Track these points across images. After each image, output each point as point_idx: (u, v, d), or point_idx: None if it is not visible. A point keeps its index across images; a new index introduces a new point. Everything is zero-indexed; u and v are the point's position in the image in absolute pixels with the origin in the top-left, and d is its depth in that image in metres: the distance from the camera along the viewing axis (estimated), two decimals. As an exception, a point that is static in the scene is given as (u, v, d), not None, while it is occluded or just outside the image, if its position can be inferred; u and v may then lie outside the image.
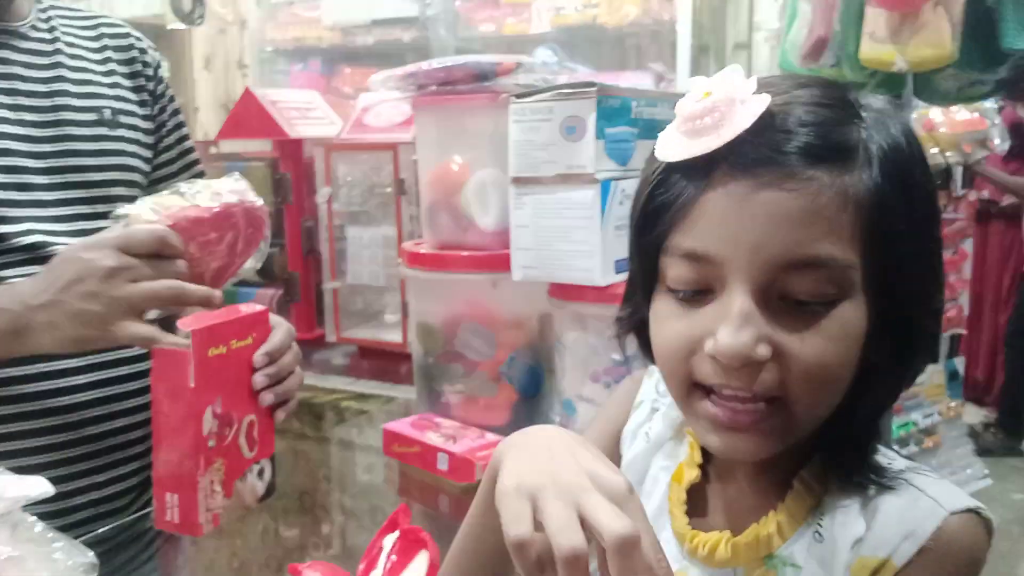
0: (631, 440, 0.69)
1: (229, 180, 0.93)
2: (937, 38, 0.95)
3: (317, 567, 0.84)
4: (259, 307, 0.89)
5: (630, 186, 1.09)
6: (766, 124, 0.50)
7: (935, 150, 2.64)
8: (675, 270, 0.53)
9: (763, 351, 0.50)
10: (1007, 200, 4.11)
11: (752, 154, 0.50)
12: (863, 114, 0.52)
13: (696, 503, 0.62)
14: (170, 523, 0.81)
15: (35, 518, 0.77)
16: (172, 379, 0.78)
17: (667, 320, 0.55)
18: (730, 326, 0.50)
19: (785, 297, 0.51)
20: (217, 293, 0.86)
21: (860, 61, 1.08)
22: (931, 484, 0.55)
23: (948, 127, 2.64)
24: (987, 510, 0.54)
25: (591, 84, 1.03)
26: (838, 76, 1.19)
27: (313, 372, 1.70)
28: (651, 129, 1.13)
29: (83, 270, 0.80)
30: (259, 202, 0.94)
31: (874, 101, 0.54)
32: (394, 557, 0.84)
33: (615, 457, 0.70)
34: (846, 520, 0.55)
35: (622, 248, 1.10)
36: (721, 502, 0.62)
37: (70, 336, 0.81)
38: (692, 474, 0.62)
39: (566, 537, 0.43)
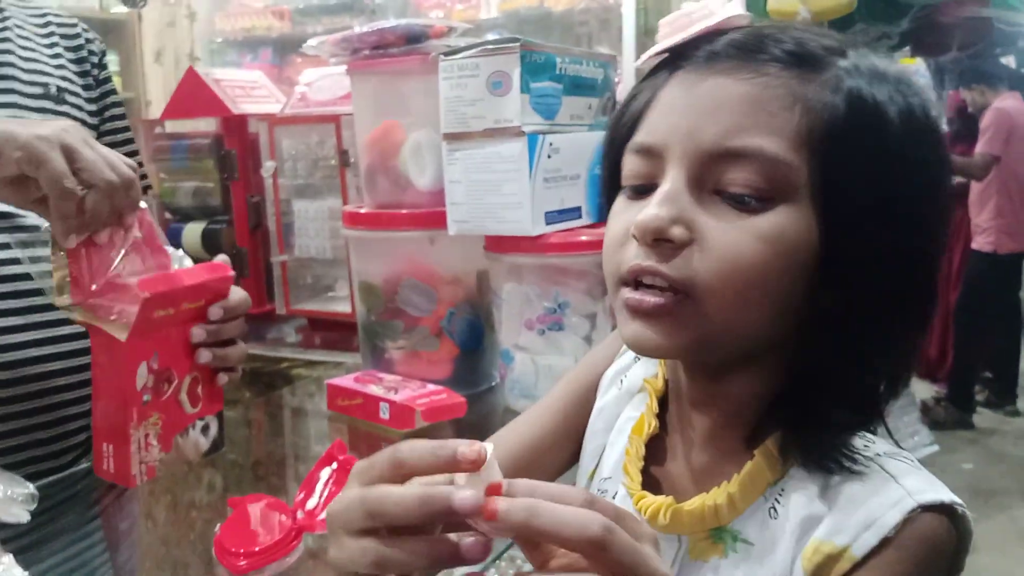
0: (607, 386, 0.68)
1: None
2: (838, -11, 1.01)
3: (254, 497, 0.87)
4: (226, 271, 0.88)
5: (557, 140, 1.14)
6: (748, 33, 0.52)
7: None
8: (628, 166, 0.54)
9: (678, 231, 0.49)
10: (955, 180, 4.22)
11: (717, 49, 0.51)
12: (849, 54, 0.52)
13: (657, 456, 0.60)
14: (106, 472, 0.83)
15: (-24, 456, 0.79)
16: (106, 332, 0.79)
17: (613, 216, 0.55)
18: (652, 203, 0.50)
19: (721, 191, 0.50)
20: None
21: (768, 14, 1.13)
22: (906, 471, 0.50)
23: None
24: (965, 506, 0.49)
25: (515, 39, 1.07)
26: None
27: (264, 345, 1.72)
28: (578, 86, 1.18)
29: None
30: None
31: (880, 62, 0.52)
32: (332, 487, 0.88)
33: (589, 402, 0.69)
34: (806, 499, 0.51)
35: (551, 200, 1.14)
36: (680, 460, 0.59)
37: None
38: (652, 424, 0.61)
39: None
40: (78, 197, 0.76)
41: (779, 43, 0.50)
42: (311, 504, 0.86)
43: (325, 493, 0.87)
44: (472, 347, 1.29)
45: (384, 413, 1.16)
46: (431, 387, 1.20)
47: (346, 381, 1.25)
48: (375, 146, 1.30)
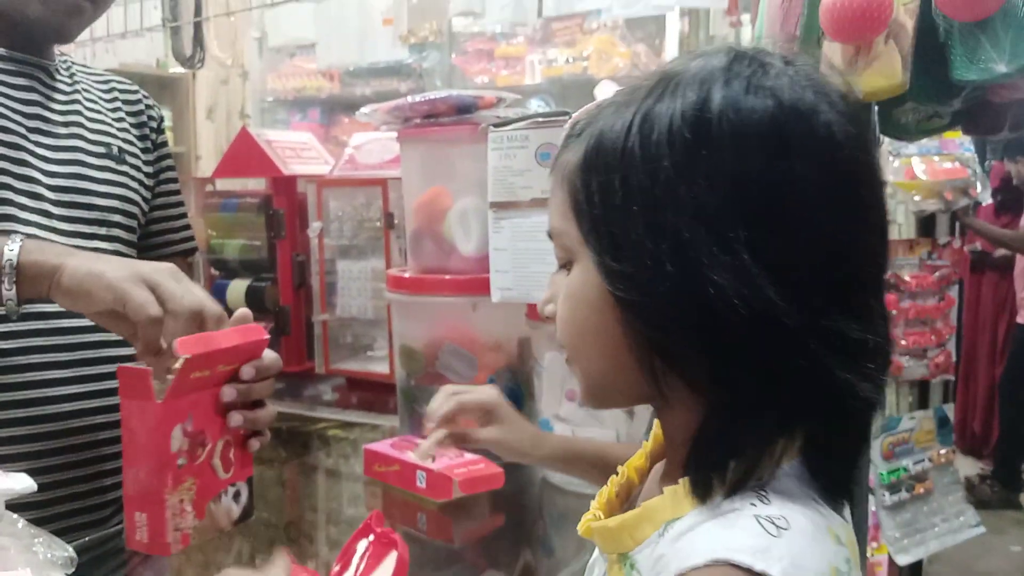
0: None
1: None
2: (889, 69, 1.01)
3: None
4: (262, 334, 0.87)
5: (604, 211, 1.15)
6: None
7: (917, 197, 2.70)
8: None
9: (548, 309, 0.60)
10: (999, 252, 4.16)
11: None
12: (605, 108, 0.55)
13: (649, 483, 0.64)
14: (139, 543, 0.81)
15: (16, 515, 0.79)
16: (139, 395, 0.78)
17: None
18: None
19: None
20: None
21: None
22: (746, 529, 0.47)
23: (929, 175, 2.70)
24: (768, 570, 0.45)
25: (564, 113, 1.09)
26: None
27: (301, 404, 1.72)
28: (625, 158, 1.19)
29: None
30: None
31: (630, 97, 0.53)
32: (369, 560, 0.86)
33: None
34: (670, 539, 0.50)
35: (596, 270, 1.14)
36: (648, 489, 0.62)
37: (88, 266, 0.83)
38: (645, 451, 0.65)
39: None
40: (161, 326, 0.81)
41: (575, 128, 0.56)
42: None
43: (361, 567, 0.85)
44: (511, 416, 1.28)
45: (421, 482, 1.15)
46: (468, 456, 1.18)
47: (383, 447, 1.24)
48: (422, 211, 1.32)
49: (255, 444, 0.90)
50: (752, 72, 0.50)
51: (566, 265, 0.56)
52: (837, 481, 0.53)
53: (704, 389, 0.51)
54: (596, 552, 0.63)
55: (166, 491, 0.79)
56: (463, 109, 1.26)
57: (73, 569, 0.80)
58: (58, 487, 1.00)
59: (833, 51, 1.04)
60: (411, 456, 1.19)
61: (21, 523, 0.79)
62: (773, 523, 0.47)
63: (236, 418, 0.86)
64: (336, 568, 0.86)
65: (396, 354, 1.35)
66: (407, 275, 1.32)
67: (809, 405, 0.50)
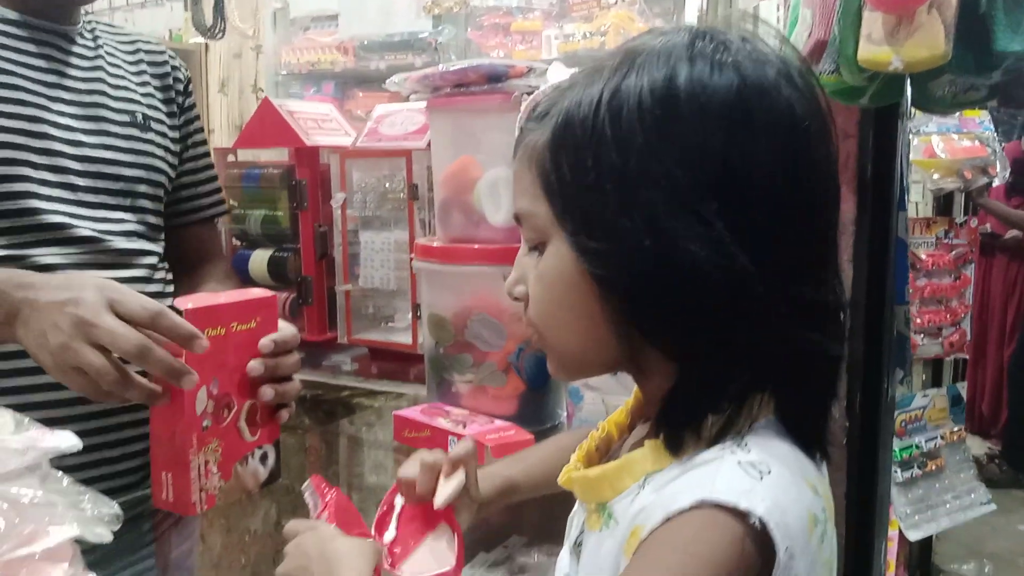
0: None
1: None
2: (932, 40, 0.99)
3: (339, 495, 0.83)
4: (267, 293, 0.88)
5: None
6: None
7: (936, 175, 2.69)
8: None
9: (519, 290, 0.59)
10: (1010, 234, 4.14)
11: (521, 127, 0.59)
12: (572, 87, 0.55)
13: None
14: (166, 502, 0.82)
15: (62, 473, 0.80)
16: None
17: None
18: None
19: None
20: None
21: (858, 63, 1.12)
22: (733, 475, 0.49)
23: (948, 153, 2.69)
24: (768, 524, 0.46)
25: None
26: (837, 81, 1.22)
27: (322, 373, 1.73)
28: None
29: (87, 291, 0.80)
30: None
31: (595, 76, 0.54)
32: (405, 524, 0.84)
33: None
34: (652, 488, 0.53)
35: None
36: (626, 446, 0.64)
37: (34, 345, 0.81)
38: (622, 414, 0.68)
39: None
40: (114, 387, 0.80)
41: (537, 110, 0.57)
42: (387, 538, 0.84)
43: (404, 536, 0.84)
44: (539, 384, 1.29)
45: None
46: (499, 423, 1.19)
47: (413, 413, 1.25)
48: (451, 181, 1.31)
49: (284, 415, 0.92)
50: (714, 49, 0.52)
51: (536, 247, 0.57)
52: (810, 435, 0.55)
53: (680, 355, 0.53)
54: (577, 504, 0.64)
55: (191, 452, 0.80)
56: (494, 78, 1.25)
57: (119, 526, 0.80)
58: (90, 451, 1.00)
59: (874, 21, 1.03)
60: (441, 423, 1.20)
61: (67, 480, 0.80)
62: (755, 467, 0.49)
63: (268, 392, 0.87)
64: (383, 510, 0.83)
65: (425, 323, 1.35)
66: (436, 244, 1.32)
67: (779, 365, 0.52)
